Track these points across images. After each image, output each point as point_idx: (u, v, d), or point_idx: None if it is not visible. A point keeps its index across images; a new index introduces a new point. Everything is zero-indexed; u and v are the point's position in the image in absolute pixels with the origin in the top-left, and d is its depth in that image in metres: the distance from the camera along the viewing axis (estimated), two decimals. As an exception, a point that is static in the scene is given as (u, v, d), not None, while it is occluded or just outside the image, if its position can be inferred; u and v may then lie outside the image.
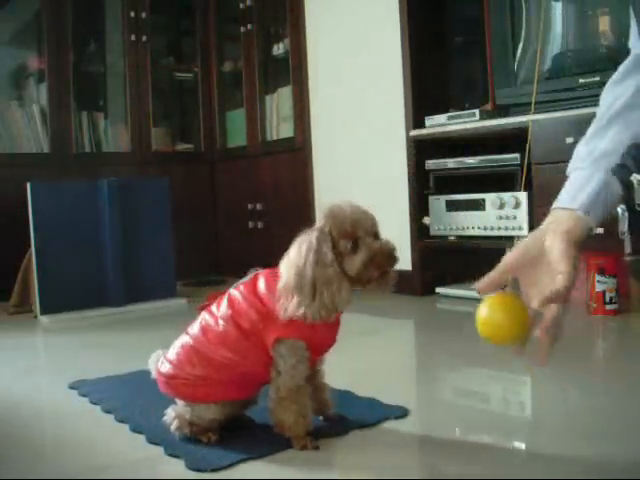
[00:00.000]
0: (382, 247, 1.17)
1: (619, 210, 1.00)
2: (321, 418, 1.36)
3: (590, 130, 1.04)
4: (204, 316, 1.28)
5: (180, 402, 1.29)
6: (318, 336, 1.23)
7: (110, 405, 1.54)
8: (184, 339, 1.29)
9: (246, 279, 1.27)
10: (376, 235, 1.20)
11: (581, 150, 1.02)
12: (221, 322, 1.24)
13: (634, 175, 0.98)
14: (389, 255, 1.18)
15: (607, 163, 0.96)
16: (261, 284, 1.23)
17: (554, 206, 0.98)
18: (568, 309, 0.90)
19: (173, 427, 1.28)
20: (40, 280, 2.83)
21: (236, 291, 1.26)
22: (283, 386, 1.21)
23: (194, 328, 1.28)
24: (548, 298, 0.86)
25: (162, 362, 1.30)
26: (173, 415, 1.29)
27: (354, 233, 1.16)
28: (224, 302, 1.26)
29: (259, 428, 1.32)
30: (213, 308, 1.28)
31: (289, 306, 1.15)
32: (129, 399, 1.58)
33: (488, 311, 0.94)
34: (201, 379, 1.24)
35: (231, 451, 1.22)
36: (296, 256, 1.16)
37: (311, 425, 1.25)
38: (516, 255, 0.93)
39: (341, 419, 1.35)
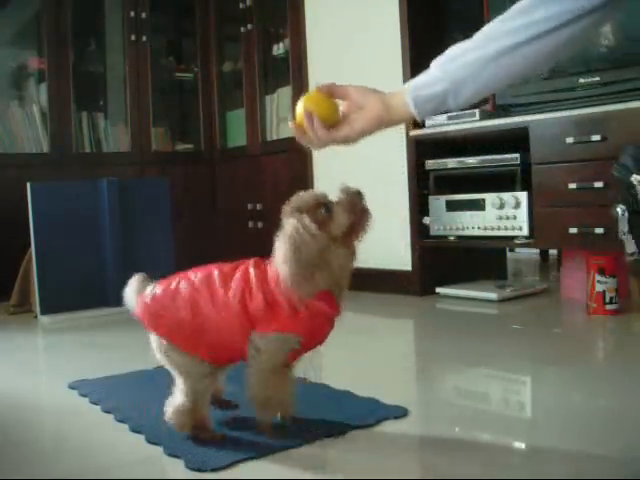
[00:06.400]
0: (347, 192, 1.23)
1: (619, 210, 1.00)
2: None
3: (484, 31, 1.06)
4: (214, 271, 1.27)
5: (173, 374, 1.29)
6: (315, 332, 1.25)
7: (110, 405, 1.54)
8: (184, 284, 1.27)
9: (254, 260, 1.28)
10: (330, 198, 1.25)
11: (456, 49, 1.09)
12: (231, 293, 1.24)
13: (634, 176, 0.98)
14: (357, 194, 1.23)
15: (459, 75, 1.06)
16: (269, 271, 1.24)
17: (407, 84, 1.12)
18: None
19: (177, 428, 1.28)
20: (40, 280, 2.83)
21: (251, 268, 1.26)
22: (265, 360, 1.22)
23: (199, 276, 1.27)
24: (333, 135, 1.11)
25: (151, 294, 1.29)
26: (171, 411, 1.28)
27: (319, 201, 1.23)
28: (240, 272, 1.26)
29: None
30: (226, 268, 1.28)
31: (306, 289, 1.18)
32: (129, 399, 1.58)
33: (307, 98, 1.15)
34: (186, 327, 1.24)
35: (231, 451, 1.22)
36: (288, 246, 1.19)
37: (289, 410, 1.28)
38: (356, 93, 1.12)
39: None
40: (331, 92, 1.13)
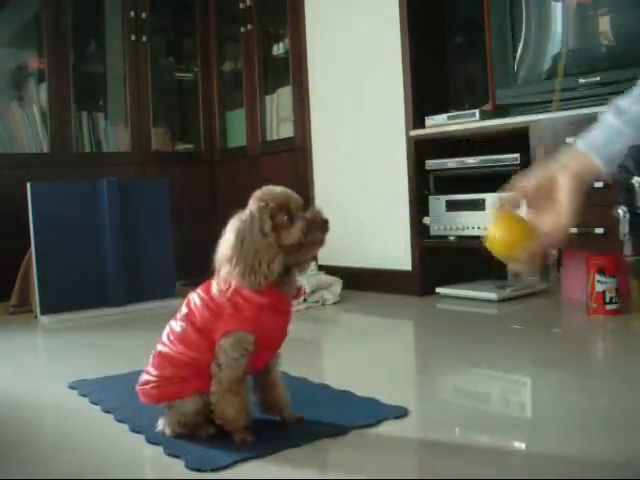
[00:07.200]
0: (315, 215, 1.23)
1: (620, 212, 1.00)
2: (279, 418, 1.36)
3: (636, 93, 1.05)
4: (170, 323, 1.33)
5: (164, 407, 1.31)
6: (265, 326, 1.25)
7: (110, 405, 1.55)
8: (159, 346, 1.32)
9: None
10: (304, 208, 1.25)
11: (622, 104, 1.06)
12: (179, 322, 1.29)
13: (635, 178, 0.98)
14: (323, 222, 1.24)
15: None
16: (214, 285, 1.28)
17: (577, 144, 1.03)
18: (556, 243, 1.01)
19: (168, 432, 1.30)
20: (40, 280, 2.83)
21: (194, 293, 1.31)
22: (225, 379, 1.24)
23: (163, 336, 1.33)
24: (550, 232, 0.99)
25: (141, 379, 1.34)
26: (164, 422, 1.32)
27: (288, 206, 1.23)
28: (183, 305, 1.32)
29: (258, 428, 1.32)
30: (177, 314, 1.32)
31: (230, 274, 1.21)
32: (129, 399, 1.57)
33: (493, 228, 1.05)
34: (167, 379, 1.27)
35: (231, 451, 1.22)
36: (238, 226, 1.23)
37: (251, 419, 1.28)
38: (532, 184, 1.01)
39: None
40: (512, 203, 1.04)
